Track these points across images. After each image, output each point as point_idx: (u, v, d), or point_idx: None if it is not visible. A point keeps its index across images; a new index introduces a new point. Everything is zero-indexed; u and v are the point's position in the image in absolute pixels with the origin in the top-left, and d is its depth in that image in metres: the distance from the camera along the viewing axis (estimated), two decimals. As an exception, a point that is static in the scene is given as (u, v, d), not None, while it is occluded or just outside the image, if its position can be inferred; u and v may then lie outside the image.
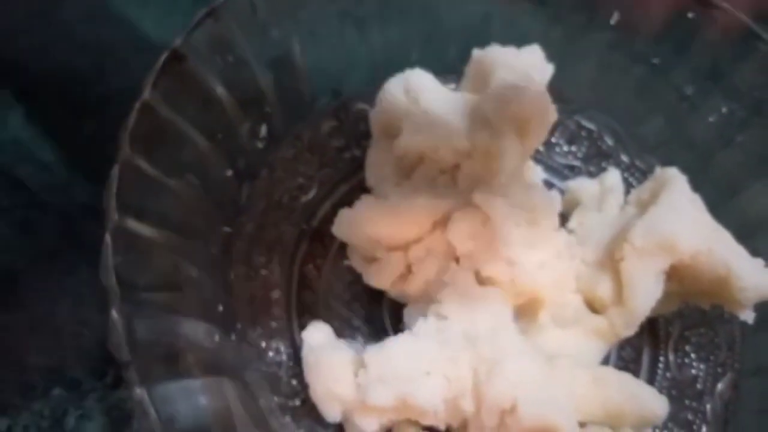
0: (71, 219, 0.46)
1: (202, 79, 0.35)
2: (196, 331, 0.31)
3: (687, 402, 0.41)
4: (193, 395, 0.29)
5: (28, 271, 0.44)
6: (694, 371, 0.42)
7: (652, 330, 0.43)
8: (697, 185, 0.41)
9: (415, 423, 0.38)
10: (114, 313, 0.26)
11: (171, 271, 0.32)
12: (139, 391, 0.26)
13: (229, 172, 0.38)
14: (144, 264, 0.30)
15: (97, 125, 0.50)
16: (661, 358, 0.43)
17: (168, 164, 0.33)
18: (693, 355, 0.43)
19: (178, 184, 0.34)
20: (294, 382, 0.39)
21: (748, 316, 0.38)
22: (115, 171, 0.29)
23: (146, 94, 0.31)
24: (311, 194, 0.44)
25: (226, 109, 0.37)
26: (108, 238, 0.28)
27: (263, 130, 0.41)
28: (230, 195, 0.39)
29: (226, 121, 0.37)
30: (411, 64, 0.44)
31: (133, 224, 0.30)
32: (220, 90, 0.37)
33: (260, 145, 0.41)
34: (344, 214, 0.41)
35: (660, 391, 0.41)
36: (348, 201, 0.43)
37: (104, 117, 0.51)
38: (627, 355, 0.43)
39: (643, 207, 0.41)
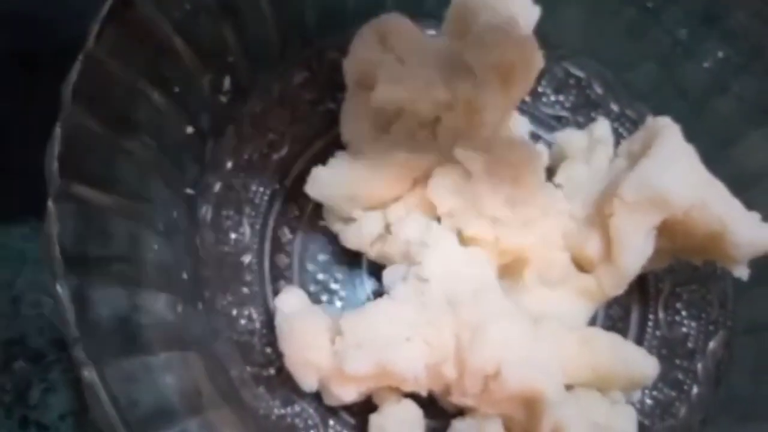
0: (29, 180, 0.43)
1: (153, 26, 0.32)
2: (155, 302, 0.29)
3: (677, 361, 0.40)
4: (154, 374, 0.27)
5: (-17, 239, 0.41)
6: (684, 329, 0.41)
7: (642, 287, 0.42)
8: (690, 135, 0.38)
9: (396, 389, 0.36)
10: (58, 287, 0.24)
11: (126, 240, 0.29)
12: (88, 374, 0.23)
13: (190, 129, 0.35)
14: (94, 233, 0.27)
15: (52, 79, 0.47)
16: (651, 316, 0.42)
17: (118, 123, 0.30)
18: (684, 313, 0.41)
19: (131, 144, 0.31)
20: (268, 350, 0.37)
21: (742, 272, 0.37)
22: (57, 131, 0.26)
23: (90, 44, 0.28)
24: (283, 151, 0.42)
25: (183, 60, 0.34)
26: (51, 205, 0.25)
27: (227, 82, 0.37)
28: (192, 154, 0.36)
29: (183, 73, 0.34)
30: (387, 8, 0.41)
31: (81, 190, 0.27)
32: (175, 39, 0.33)
33: (224, 99, 0.38)
34: (318, 172, 0.39)
35: (649, 350, 0.40)
36: (323, 158, 0.41)
37: (60, 70, 0.48)
38: (615, 314, 0.42)
39: (634, 159, 0.39)
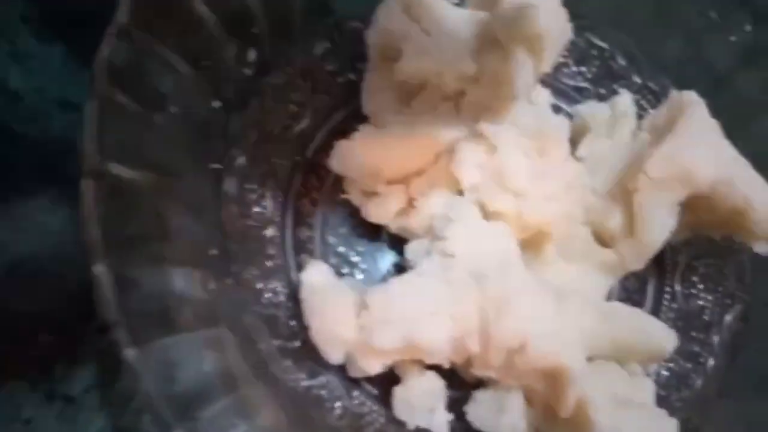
0: (47, 152, 0.43)
1: (181, -3, 0.31)
2: (190, 281, 0.29)
3: (693, 334, 0.41)
4: (191, 352, 0.27)
5: (3, 211, 0.41)
6: (701, 302, 0.41)
7: (658, 260, 0.41)
8: (713, 109, 0.38)
9: (419, 361, 0.37)
10: (99, 269, 0.24)
11: (158, 218, 0.29)
12: (131, 353, 0.24)
13: (217, 103, 0.35)
14: (127, 211, 0.27)
15: (67, 48, 0.46)
16: (667, 289, 0.42)
17: (149, 97, 0.29)
18: (700, 286, 0.42)
19: (162, 118, 0.30)
20: (292, 323, 0.37)
21: (763, 248, 0.37)
22: (92, 108, 0.26)
23: (121, 17, 0.28)
24: (304, 123, 0.41)
25: (210, 32, 0.33)
26: (87, 185, 0.25)
27: (251, 54, 0.37)
28: (218, 128, 0.36)
29: (210, 45, 0.33)
30: (410, -22, 0.40)
31: (115, 167, 0.27)
32: (202, 9, 0.32)
33: (248, 71, 0.37)
34: (342, 145, 0.38)
35: (665, 322, 0.40)
36: (343, 129, 0.40)
37: (75, 39, 0.47)
38: (631, 286, 0.42)
39: (659, 134, 0.39)
